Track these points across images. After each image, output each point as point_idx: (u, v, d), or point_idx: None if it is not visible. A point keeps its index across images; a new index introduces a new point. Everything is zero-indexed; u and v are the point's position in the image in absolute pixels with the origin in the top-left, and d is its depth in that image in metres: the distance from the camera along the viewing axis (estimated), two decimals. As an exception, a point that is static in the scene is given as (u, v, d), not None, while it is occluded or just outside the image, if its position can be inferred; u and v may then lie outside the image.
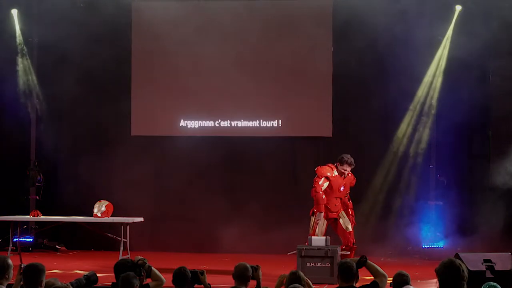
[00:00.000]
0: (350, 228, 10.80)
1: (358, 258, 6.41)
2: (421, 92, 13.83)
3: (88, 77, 14.47)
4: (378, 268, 6.44)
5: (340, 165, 10.71)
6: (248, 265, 6.47)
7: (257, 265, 6.54)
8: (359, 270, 6.32)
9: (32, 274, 5.58)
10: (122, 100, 14.43)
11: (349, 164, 10.70)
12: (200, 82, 14.28)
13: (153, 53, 14.41)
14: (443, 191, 13.65)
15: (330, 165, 10.76)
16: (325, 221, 10.72)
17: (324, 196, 10.57)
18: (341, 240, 10.94)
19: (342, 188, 10.76)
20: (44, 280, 5.64)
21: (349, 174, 10.87)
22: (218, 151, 14.30)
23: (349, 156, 10.75)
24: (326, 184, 10.63)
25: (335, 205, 10.76)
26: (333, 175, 10.67)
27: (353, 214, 10.97)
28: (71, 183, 14.57)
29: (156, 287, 6.36)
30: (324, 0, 14.08)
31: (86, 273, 6.27)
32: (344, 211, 10.89)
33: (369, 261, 6.42)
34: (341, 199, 10.86)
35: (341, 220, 10.81)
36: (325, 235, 10.60)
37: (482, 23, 12.82)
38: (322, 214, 10.59)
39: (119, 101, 14.41)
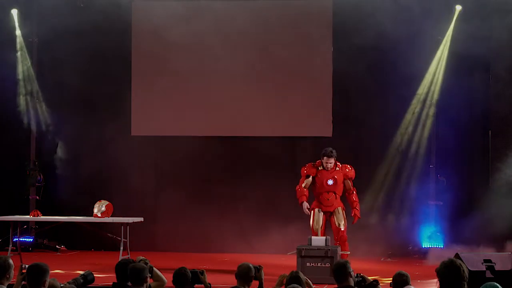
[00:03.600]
0: (342, 227, 10.89)
1: (371, 281, 6.40)
2: (421, 92, 13.83)
3: (88, 76, 14.48)
4: None
5: (322, 160, 10.97)
6: (251, 266, 6.48)
7: (259, 266, 6.55)
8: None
9: (36, 274, 5.57)
10: (122, 100, 14.44)
11: (325, 155, 10.92)
12: (200, 81, 14.28)
13: (153, 53, 14.40)
14: (443, 191, 13.65)
15: (314, 162, 11.07)
16: (322, 214, 10.92)
17: (302, 190, 11.03)
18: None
19: (330, 182, 10.92)
20: (48, 280, 5.62)
21: (341, 166, 10.99)
22: (218, 151, 14.30)
23: (327, 148, 10.99)
24: (307, 181, 11.04)
25: (327, 199, 10.93)
26: (318, 171, 10.98)
27: (358, 208, 11.02)
28: (71, 183, 14.57)
29: (158, 287, 6.36)
30: (324, 0, 14.09)
31: (82, 272, 6.28)
32: (340, 207, 10.97)
33: (379, 286, 6.38)
34: (334, 193, 10.94)
35: (334, 217, 10.94)
36: (324, 227, 10.83)
37: (483, 23, 12.82)
38: (304, 204, 10.91)
39: (119, 101, 14.41)
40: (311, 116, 14.10)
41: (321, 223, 10.92)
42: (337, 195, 10.98)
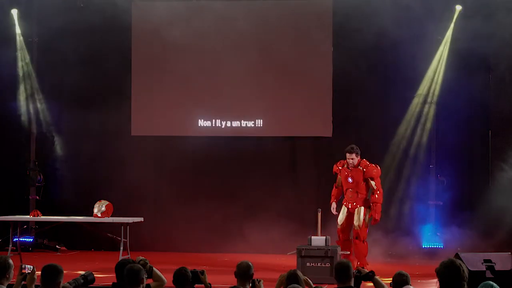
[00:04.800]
0: (357, 226, 10.99)
1: (367, 271, 6.39)
2: (421, 92, 13.83)
3: (87, 76, 14.48)
4: (384, 285, 6.38)
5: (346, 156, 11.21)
6: (250, 264, 6.46)
7: (258, 279, 6.50)
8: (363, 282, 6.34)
9: (51, 275, 5.59)
10: (122, 100, 14.43)
11: (346, 151, 11.11)
12: (200, 82, 14.29)
13: (153, 53, 14.40)
14: (443, 191, 13.65)
15: (342, 160, 11.30)
16: (347, 210, 11.14)
17: (333, 191, 11.38)
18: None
19: (350, 180, 11.08)
20: (62, 282, 5.65)
21: (364, 166, 11.04)
22: (218, 151, 14.29)
23: (350, 145, 11.20)
24: (338, 180, 11.28)
25: (350, 196, 11.11)
26: (342, 168, 11.20)
27: (376, 209, 10.99)
28: (71, 183, 14.57)
29: (157, 287, 6.37)
30: (324, 0, 14.09)
31: (83, 273, 6.28)
32: (363, 207, 11.06)
33: (376, 277, 6.37)
34: (357, 192, 11.05)
35: (355, 216, 11.07)
36: (346, 223, 11.06)
37: (484, 22, 12.81)
38: (333, 204, 11.30)
39: (119, 101, 14.40)
40: (311, 116, 14.10)
41: (342, 220, 11.14)
42: (359, 194, 11.06)
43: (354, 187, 11.07)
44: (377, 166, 11.13)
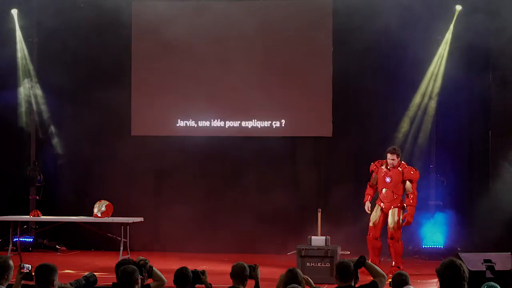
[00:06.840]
0: (392, 227, 11.05)
1: (357, 258, 6.40)
2: (421, 92, 13.82)
3: (88, 77, 14.50)
4: (377, 268, 6.45)
5: (387, 156, 11.24)
6: (246, 265, 6.49)
7: (255, 264, 6.55)
8: (358, 270, 6.32)
9: (44, 274, 5.59)
10: (122, 100, 14.43)
11: (388, 151, 11.20)
12: (200, 82, 14.29)
13: (153, 53, 14.41)
14: (443, 191, 13.65)
15: (380, 160, 11.36)
16: (380, 210, 11.18)
17: (367, 189, 11.40)
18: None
19: (388, 179, 11.14)
20: (57, 280, 5.65)
21: (403, 167, 11.12)
22: (217, 151, 14.30)
23: (392, 146, 11.37)
24: (373, 179, 11.33)
25: (386, 196, 11.14)
26: (380, 168, 11.23)
27: (410, 212, 11.05)
28: (71, 183, 14.57)
29: (157, 287, 6.37)
30: (324, 0, 14.09)
31: (85, 274, 6.29)
32: (397, 208, 11.11)
33: (368, 261, 6.42)
34: (393, 192, 11.09)
35: (389, 218, 11.11)
36: (381, 223, 11.12)
37: (482, 23, 12.81)
38: (367, 203, 11.29)
39: (119, 101, 14.40)
40: (311, 116, 14.10)
41: (376, 218, 11.22)
42: (396, 194, 11.11)
43: (392, 188, 11.11)
44: (416, 170, 11.25)
